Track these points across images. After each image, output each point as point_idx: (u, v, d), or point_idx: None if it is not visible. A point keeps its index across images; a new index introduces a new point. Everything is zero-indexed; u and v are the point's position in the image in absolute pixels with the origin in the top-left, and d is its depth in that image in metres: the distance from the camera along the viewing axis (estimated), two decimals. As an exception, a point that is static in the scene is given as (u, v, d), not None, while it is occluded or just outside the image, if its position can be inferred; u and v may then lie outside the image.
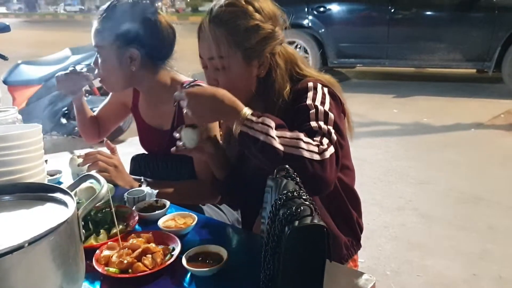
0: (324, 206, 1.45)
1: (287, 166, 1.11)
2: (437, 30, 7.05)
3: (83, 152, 1.76)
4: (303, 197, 1.00)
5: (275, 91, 1.40)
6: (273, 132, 1.21)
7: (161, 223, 1.36)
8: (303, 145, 1.20)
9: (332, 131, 1.28)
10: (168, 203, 1.47)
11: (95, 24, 1.73)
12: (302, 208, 0.93)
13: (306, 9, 7.58)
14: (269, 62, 1.42)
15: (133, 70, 1.74)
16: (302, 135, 1.23)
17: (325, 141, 1.25)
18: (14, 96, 5.25)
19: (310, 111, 1.31)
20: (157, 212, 1.43)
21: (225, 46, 1.38)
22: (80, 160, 1.66)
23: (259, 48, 1.40)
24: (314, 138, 1.25)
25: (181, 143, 1.47)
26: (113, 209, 1.22)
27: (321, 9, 7.59)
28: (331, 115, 1.31)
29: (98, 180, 0.93)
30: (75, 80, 1.92)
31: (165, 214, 1.43)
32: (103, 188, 0.89)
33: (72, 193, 0.92)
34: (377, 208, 3.58)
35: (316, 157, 1.19)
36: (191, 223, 1.35)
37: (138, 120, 1.94)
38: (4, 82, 5.18)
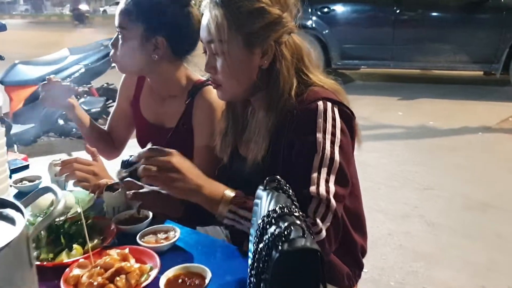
0: None
1: (278, 177, 0.98)
2: (444, 31, 6.91)
3: (64, 157, 1.64)
4: (295, 213, 0.87)
5: (279, 86, 1.26)
6: None
7: (140, 237, 1.23)
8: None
9: (331, 195, 1.18)
10: (150, 214, 1.34)
11: (122, 3, 1.60)
12: (293, 228, 0.80)
13: (309, 10, 7.45)
14: (273, 52, 1.27)
15: (154, 58, 1.61)
16: None
17: (320, 211, 1.16)
18: (11, 97, 5.14)
19: (315, 156, 1.20)
20: (137, 225, 1.30)
21: (224, 29, 1.25)
22: (58, 169, 1.54)
23: (263, 34, 1.26)
24: (308, 213, 1.16)
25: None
26: (83, 222, 1.09)
27: (325, 9, 7.47)
28: (337, 161, 1.21)
29: (56, 194, 0.80)
30: (59, 92, 1.77)
31: (147, 227, 1.30)
32: (60, 203, 0.77)
33: (25, 209, 0.79)
34: (381, 215, 3.46)
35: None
36: (173, 238, 1.22)
37: (136, 115, 1.81)
38: (1, 82, 5.08)
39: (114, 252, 1.13)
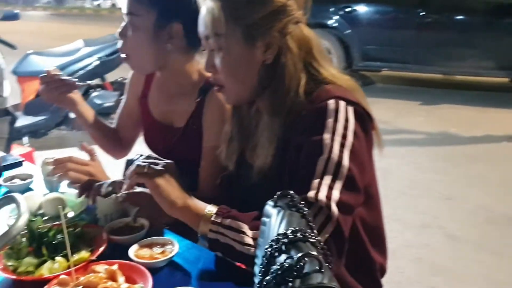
0: None
1: (292, 192, 0.83)
2: (469, 35, 6.67)
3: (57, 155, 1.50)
4: (310, 239, 0.71)
5: (285, 82, 1.12)
6: (248, 238, 1.06)
7: (133, 251, 1.09)
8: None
9: (333, 202, 1.04)
10: (147, 224, 1.20)
11: None
12: (307, 259, 0.65)
13: (332, 9, 7.28)
14: (278, 45, 1.12)
15: (169, 49, 1.45)
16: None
17: (319, 220, 1.03)
18: (23, 88, 5.05)
19: (320, 158, 1.07)
20: (131, 235, 1.15)
21: (221, 21, 1.11)
22: (50, 168, 1.40)
23: (264, 24, 1.11)
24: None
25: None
26: (65, 231, 0.95)
27: (348, 9, 7.28)
28: (344, 166, 1.07)
29: (18, 206, 0.66)
30: (58, 87, 1.61)
31: (142, 238, 1.16)
32: (20, 219, 0.62)
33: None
34: (399, 224, 3.29)
35: None
36: (170, 253, 1.07)
37: (144, 113, 1.67)
38: (13, 72, 5.01)
39: (101, 268, 0.99)
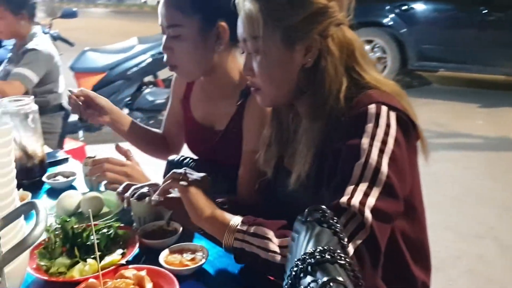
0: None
1: (324, 207, 0.78)
2: (535, 35, 6.32)
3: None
4: (339, 261, 0.66)
5: (325, 86, 1.06)
6: (273, 245, 1.01)
7: (163, 256, 1.07)
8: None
9: (367, 208, 0.97)
10: (180, 228, 1.18)
11: None
12: (333, 285, 0.60)
13: (387, 7, 7.08)
14: (318, 48, 1.07)
15: (220, 49, 1.40)
16: None
17: (350, 227, 0.96)
18: (79, 83, 5.22)
19: (356, 164, 1.01)
20: (163, 240, 1.14)
21: (259, 23, 1.06)
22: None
23: (304, 27, 1.06)
24: None
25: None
26: (93, 232, 0.95)
27: (404, 7, 7.06)
28: (383, 172, 1.00)
29: (37, 213, 0.65)
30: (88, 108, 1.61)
31: (174, 243, 1.14)
32: (37, 228, 0.61)
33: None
34: (451, 233, 3.15)
35: None
36: (200, 260, 1.05)
37: (187, 115, 1.65)
38: (71, 68, 5.17)
39: (130, 273, 0.98)
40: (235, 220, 1.06)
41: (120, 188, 1.28)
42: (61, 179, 1.56)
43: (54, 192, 1.51)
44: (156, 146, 1.76)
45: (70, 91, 1.57)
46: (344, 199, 0.97)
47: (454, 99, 6.71)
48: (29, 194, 1.43)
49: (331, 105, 1.06)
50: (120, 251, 1.10)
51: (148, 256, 1.13)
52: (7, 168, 0.89)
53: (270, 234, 1.01)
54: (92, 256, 1.08)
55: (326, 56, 1.06)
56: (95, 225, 1.16)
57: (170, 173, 1.13)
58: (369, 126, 1.02)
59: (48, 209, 1.34)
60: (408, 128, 1.06)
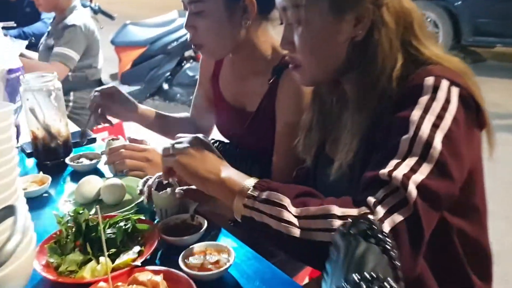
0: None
1: (370, 217, 0.64)
2: None
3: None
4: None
5: (377, 63, 0.90)
6: (288, 214, 0.84)
7: (184, 257, 0.94)
8: (336, 223, 0.79)
9: (412, 183, 0.80)
10: (205, 223, 1.05)
11: None
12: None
13: (440, -22, 6.69)
14: (371, 18, 0.91)
15: (246, 25, 1.28)
16: (334, 208, 0.81)
17: (390, 201, 0.79)
18: (120, 57, 5.19)
19: (404, 138, 0.84)
20: (185, 237, 1.01)
21: None
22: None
23: None
24: (368, 198, 0.81)
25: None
26: (101, 226, 0.83)
27: (459, -22, 6.65)
28: (436, 149, 0.82)
29: (15, 221, 0.53)
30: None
31: (198, 240, 1.02)
32: (11, 241, 0.49)
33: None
34: (507, 223, 2.93)
35: None
36: (225, 264, 0.92)
37: (216, 95, 1.52)
38: (112, 42, 5.13)
39: (145, 277, 0.86)
40: (248, 183, 0.90)
41: (140, 184, 1.17)
42: (84, 161, 1.47)
43: (78, 175, 1.42)
44: (185, 131, 1.64)
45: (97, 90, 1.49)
46: (384, 170, 0.81)
47: (511, 77, 6.33)
48: (49, 178, 1.34)
49: (383, 86, 0.90)
50: (137, 248, 0.98)
51: (168, 253, 1.02)
52: (6, 157, 0.78)
53: (286, 201, 0.84)
54: (109, 252, 0.97)
55: (380, 28, 0.90)
56: (111, 217, 1.06)
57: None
58: (424, 99, 0.86)
59: (67, 196, 1.24)
60: (471, 110, 0.89)
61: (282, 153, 1.31)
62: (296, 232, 0.81)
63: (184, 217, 1.09)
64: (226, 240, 1.06)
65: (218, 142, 1.49)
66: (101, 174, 1.42)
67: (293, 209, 0.83)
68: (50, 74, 1.48)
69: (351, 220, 0.65)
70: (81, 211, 1.00)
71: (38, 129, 1.48)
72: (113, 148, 1.29)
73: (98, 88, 1.48)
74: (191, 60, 5.15)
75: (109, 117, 1.53)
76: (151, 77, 5.05)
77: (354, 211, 0.81)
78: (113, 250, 0.98)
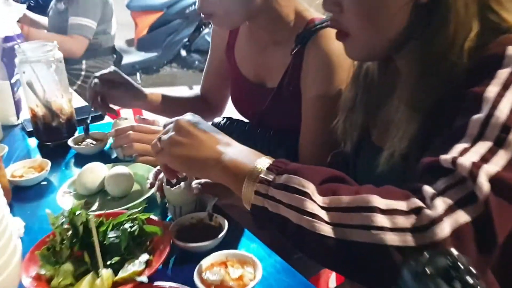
0: None
1: (453, 250, 0.46)
2: None
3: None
4: None
5: (448, 31, 0.71)
6: (313, 204, 0.63)
7: (200, 271, 0.78)
8: (379, 219, 0.59)
9: (483, 174, 0.60)
10: (226, 224, 0.89)
11: None
12: None
13: None
14: None
15: None
16: (375, 199, 0.61)
17: (455, 193, 0.60)
18: (136, 23, 4.99)
19: (474, 118, 0.64)
20: (201, 244, 0.85)
21: None
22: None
23: None
24: (424, 187, 0.62)
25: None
26: (94, 232, 0.68)
27: None
28: None
29: None
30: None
31: (215, 247, 0.85)
32: None
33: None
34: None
35: (410, 240, 0.59)
36: (249, 282, 0.75)
37: (232, 68, 1.33)
38: (127, 6, 4.92)
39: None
40: (260, 164, 0.70)
41: (151, 176, 1.01)
42: (89, 143, 1.30)
43: (83, 159, 1.26)
44: (196, 111, 1.46)
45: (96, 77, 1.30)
46: (447, 155, 0.62)
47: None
48: (49, 164, 1.18)
49: (452, 60, 0.70)
50: (145, 257, 0.82)
51: (182, 262, 0.86)
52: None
53: (310, 187, 0.64)
54: (112, 261, 0.81)
55: None
56: (114, 215, 0.90)
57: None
58: (503, 72, 0.66)
59: (67, 186, 1.08)
60: None
61: (311, 135, 1.12)
62: (323, 228, 0.61)
63: (201, 216, 0.92)
64: (251, 246, 0.89)
65: (236, 122, 1.31)
66: (108, 159, 1.26)
67: (319, 198, 0.64)
68: (50, 43, 1.31)
69: (427, 255, 0.47)
70: (78, 211, 0.84)
71: (38, 106, 1.31)
72: (120, 130, 1.12)
73: (97, 74, 1.30)
74: (210, 25, 4.92)
75: (112, 106, 1.35)
76: (168, 43, 4.85)
77: (402, 204, 0.61)
78: (116, 258, 0.82)
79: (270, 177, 0.68)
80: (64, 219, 0.85)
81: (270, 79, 1.20)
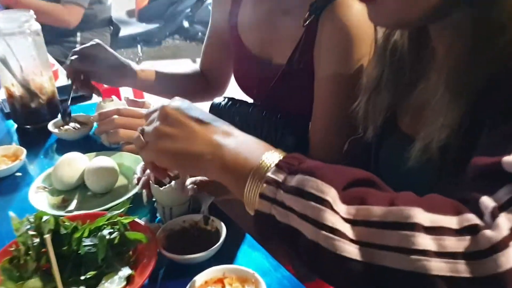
0: None
1: None
2: None
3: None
4: None
5: (502, 9, 0.55)
6: (334, 216, 0.48)
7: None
8: (422, 240, 0.45)
9: None
10: (223, 229, 0.74)
11: None
12: None
13: None
14: None
15: None
16: (417, 212, 0.46)
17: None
18: (136, -8, 4.80)
19: None
20: (196, 255, 0.70)
21: None
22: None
23: None
24: (483, 199, 0.47)
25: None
26: (55, 270, 0.53)
27: None
28: None
29: None
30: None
31: (214, 257, 0.71)
32: None
33: None
34: None
35: (462, 270, 0.44)
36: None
37: (235, 41, 1.17)
38: (127, -25, 4.73)
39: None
40: (268, 159, 0.56)
41: (138, 170, 0.86)
42: (72, 127, 1.15)
43: (65, 146, 1.12)
44: (195, 89, 1.31)
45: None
46: (510, 157, 0.48)
47: None
48: (24, 152, 1.04)
49: (509, 35, 0.55)
50: (126, 271, 0.68)
51: (171, 276, 0.72)
52: None
53: (331, 193, 0.49)
54: (87, 275, 0.68)
55: None
56: (92, 217, 0.76)
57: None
58: None
59: (42, 180, 0.94)
60: None
61: (324, 119, 0.97)
62: (347, 248, 0.46)
63: (195, 219, 0.78)
64: (252, 255, 0.75)
65: (238, 103, 1.16)
66: (94, 145, 1.11)
67: (342, 208, 0.49)
68: (26, 12, 1.15)
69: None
70: (45, 217, 0.70)
71: (14, 85, 1.17)
72: (104, 113, 0.97)
73: (77, 49, 1.15)
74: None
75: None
76: (170, 13, 4.67)
77: (452, 221, 0.46)
78: (91, 272, 0.68)
79: (280, 177, 0.53)
80: (28, 226, 0.71)
81: (278, 54, 1.04)
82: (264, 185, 0.53)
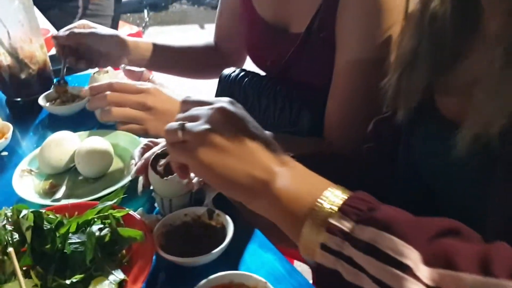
0: None
1: None
2: None
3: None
4: None
5: None
6: (416, 285, 0.39)
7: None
8: None
9: None
10: (230, 224, 0.64)
11: None
12: None
13: None
14: None
15: None
16: None
17: None
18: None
19: None
20: (198, 258, 0.61)
21: None
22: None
23: None
24: None
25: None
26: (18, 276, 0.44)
27: None
28: None
29: None
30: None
31: (219, 258, 0.62)
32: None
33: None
34: None
35: None
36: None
37: (247, 10, 1.06)
38: None
39: None
40: (329, 199, 0.47)
41: (136, 154, 0.76)
42: (64, 103, 1.05)
43: (57, 122, 1.02)
44: (208, 63, 1.21)
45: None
46: None
47: None
48: (10, 128, 0.94)
49: None
50: (118, 274, 0.59)
51: (170, 280, 0.63)
52: None
53: (412, 256, 0.41)
54: (74, 278, 0.59)
55: None
56: (80, 209, 0.66)
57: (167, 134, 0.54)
58: None
59: (27, 163, 0.84)
60: None
61: (345, 95, 0.86)
62: None
63: (198, 212, 0.68)
64: (263, 256, 0.66)
65: (251, 75, 1.05)
66: (91, 121, 1.00)
67: (425, 273, 0.40)
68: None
69: None
70: (24, 212, 0.61)
71: (1, 54, 1.06)
72: (95, 88, 0.85)
73: (70, 30, 1.04)
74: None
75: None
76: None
77: None
78: (78, 276, 0.59)
79: (347, 226, 0.44)
80: (5, 221, 0.61)
81: (295, 22, 0.93)
82: (327, 234, 0.44)
